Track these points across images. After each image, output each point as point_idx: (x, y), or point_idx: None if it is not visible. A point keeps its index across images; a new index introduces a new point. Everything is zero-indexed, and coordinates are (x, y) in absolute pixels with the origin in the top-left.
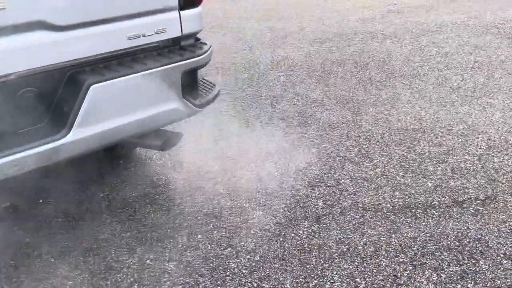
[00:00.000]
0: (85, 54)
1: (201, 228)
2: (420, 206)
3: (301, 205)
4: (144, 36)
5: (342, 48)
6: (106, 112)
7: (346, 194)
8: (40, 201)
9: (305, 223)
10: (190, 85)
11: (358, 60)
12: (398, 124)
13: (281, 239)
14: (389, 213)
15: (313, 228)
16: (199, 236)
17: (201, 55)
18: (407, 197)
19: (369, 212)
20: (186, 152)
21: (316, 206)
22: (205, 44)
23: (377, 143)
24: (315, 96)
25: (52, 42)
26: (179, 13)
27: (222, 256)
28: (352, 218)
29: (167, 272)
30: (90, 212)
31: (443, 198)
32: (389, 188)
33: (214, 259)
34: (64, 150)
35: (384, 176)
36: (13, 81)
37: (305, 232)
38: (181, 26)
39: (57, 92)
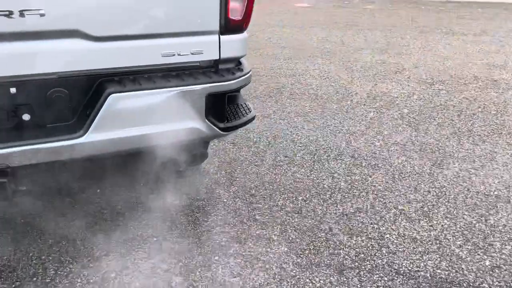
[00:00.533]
0: (116, 65)
1: (221, 251)
2: (464, 285)
3: (330, 250)
4: (179, 55)
5: (452, 93)
6: (121, 121)
7: (384, 251)
8: (99, 190)
9: (326, 271)
10: (217, 107)
11: (465, 109)
12: (480, 187)
13: (292, 282)
14: (424, 284)
15: (331, 279)
16: (216, 258)
17: (229, 80)
18: (453, 270)
19: (401, 277)
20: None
21: (346, 257)
22: (241, 70)
23: (446, 203)
24: (398, 139)
25: (86, 50)
26: (219, 37)
27: (227, 282)
28: (380, 279)
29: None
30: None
31: (497, 283)
32: (437, 256)
33: (218, 285)
34: (78, 149)
35: (437, 242)
36: (47, 80)
37: (321, 281)
38: (219, 50)
39: (85, 96)
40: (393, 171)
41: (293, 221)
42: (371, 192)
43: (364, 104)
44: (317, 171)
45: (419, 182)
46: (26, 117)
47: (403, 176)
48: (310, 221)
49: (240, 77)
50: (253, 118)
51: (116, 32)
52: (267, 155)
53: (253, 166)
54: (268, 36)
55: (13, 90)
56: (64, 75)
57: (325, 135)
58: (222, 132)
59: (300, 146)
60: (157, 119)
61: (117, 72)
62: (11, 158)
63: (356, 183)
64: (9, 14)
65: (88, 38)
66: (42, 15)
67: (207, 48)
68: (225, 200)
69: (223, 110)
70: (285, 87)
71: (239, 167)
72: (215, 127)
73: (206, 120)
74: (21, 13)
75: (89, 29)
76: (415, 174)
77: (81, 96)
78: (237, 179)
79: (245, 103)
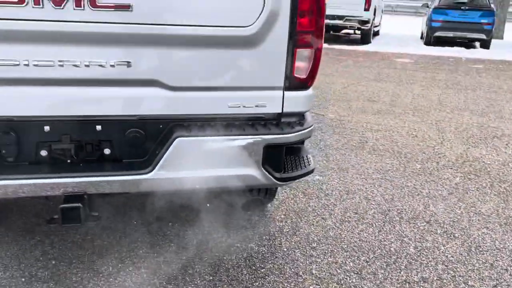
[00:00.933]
0: (187, 112)
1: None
2: None
3: None
4: (244, 107)
5: None
6: (185, 162)
7: None
8: (170, 224)
9: None
10: (274, 158)
11: None
12: None
13: None
14: None
15: None
16: (256, 283)
17: (287, 133)
18: None
19: None
20: (307, 222)
21: None
22: (301, 125)
23: None
24: (483, 209)
25: (163, 98)
26: (283, 93)
27: None
28: None
29: None
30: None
31: None
32: None
33: None
34: (144, 184)
35: None
36: (127, 121)
37: None
38: (282, 105)
39: (157, 137)
40: (470, 242)
41: (350, 281)
42: (441, 262)
43: (451, 168)
44: (386, 232)
45: (498, 258)
46: (106, 151)
47: (480, 249)
48: (368, 284)
49: (299, 131)
50: (311, 171)
51: (189, 83)
52: (336, 209)
53: (320, 218)
54: (362, 89)
55: (98, 127)
56: (142, 118)
57: (402, 196)
58: (277, 182)
59: (373, 204)
60: (216, 163)
61: (187, 118)
62: (89, 186)
63: (426, 251)
64: (102, 64)
65: (165, 87)
66: (129, 66)
67: (271, 102)
68: (285, 249)
69: (280, 160)
70: (368, 141)
71: (305, 218)
72: (271, 176)
73: (263, 168)
74: (112, 63)
75: (166, 80)
76: (494, 249)
77: (153, 137)
78: (301, 229)
79: (306, 156)
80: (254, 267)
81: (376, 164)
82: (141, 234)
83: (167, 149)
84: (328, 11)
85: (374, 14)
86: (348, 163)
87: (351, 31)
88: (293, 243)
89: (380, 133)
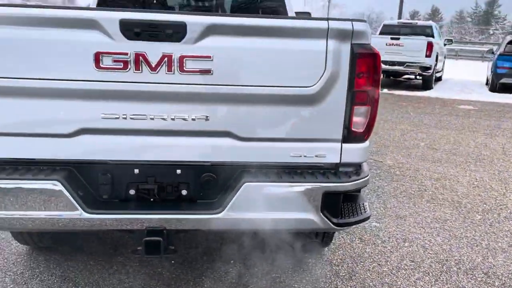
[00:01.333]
0: (254, 160)
1: None
2: None
3: None
4: (305, 156)
5: None
6: (251, 205)
7: None
8: (232, 261)
9: None
10: (332, 204)
11: None
12: None
13: None
14: None
15: None
16: None
17: (344, 182)
18: None
19: None
20: (363, 268)
21: None
22: (358, 174)
23: None
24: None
25: (233, 147)
26: (341, 145)
27: None
28: None
29: None
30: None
31: None
32: None
33: None
34: (215, 223)
35: None
36: (202, 167)
37: None
38: (340, 155)
39: (227, 181)
40: None
41: None
42: None
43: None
44: (443, 282)
45: None
46: (184, 192)
47: None
48: None
49: (355, 180)
50: (367, 218)
51: (258, 135)
52: (393, 256)
53: (376, 264)
54: (422, 136)
55: (178, 171)
56: (215, 164)
57: (460, 246)
58: (335, 227)
59: (430, 253)
60: (279, 207)
61: (254, 166)
62: (168, 222)
63: None
64: (185, 118)
65: (236, 138)
66: (207, 119)
67: (330, 153)
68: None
69: (337, 207)
70: (427, 190)
71: (361, 263)
72: (328, 221)
73: (321, 214)
74: (193, 117)
75: (238, 132)
76: None
77: (224, 181)
78: (357, 274)
79: (362, 204)
80: None
81: (435, 213)
82: (205, 270)
83: (236, 193)
84: (389, 57)
85: (436, 60)
86: (406, 211)
87: (412, 76)
88: (349, 287)
89: (439, 182)
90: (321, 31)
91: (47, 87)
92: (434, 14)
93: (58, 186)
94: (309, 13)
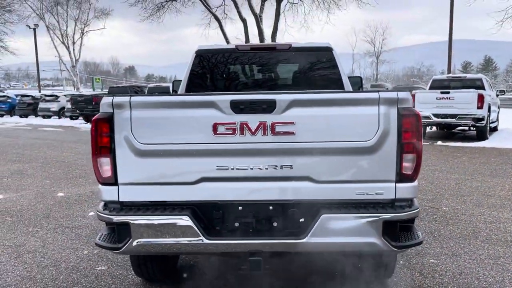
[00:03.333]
0: (328, 198)
1: None
2: None
3: None
4: (367, 194)
5: None
6: (327, 232)
7: None
8: None
9: None
10: (391, 230)
11: None
12: None
13: None
14: None
15: None
16: None
17: (400, 213)
18: None
19: None
20: None
21: None
22: (410, 207)
23: None
24: None
25: (312, 188)
26: (395, 185)
27: None
28: None
29: None
30: None
31: None
32: None
33: None
34: (300, 247)
35: None
36: (288, 204)
37: None
38: (395, 192)
39: (307, 214)
40: None
41: None
42: None
43: None
44: None
45: None
46: (275, 224)
47: None
48: None
49: (408, 211)
50: (420, 242)
51: (330, 178)
52: (449, 287)
53: None
54: (476, 184)
55: (270, 207)
56: (298, 202)
57: None
58: (393, 249)
59: (484, 284)
60: (349, 233)
61: (328, 202)
62: (263, 246)
63: None
64: (275, 167)
65: (313, 181)
66: (291, 168)
67: (386, 191)
68: None
69: (395, 232)
70: (481, 232)
71: None
72: (389, 244)
73: (382, 238)
74: (281, 167)
75: (315, 176)
76: None
77: (305, 214)
78: None
79: (416, 232)
80: None
81: (489, 251)
82: None
83: (315, 223)
84: (440, 111)
85: (489, 111)
86: (461, 250)
87: (466, 128)
88: None
89: (494, 224)
90: (374, 100)
91: (179, 149)
92: (488, 64)
93: (187, 221)
94: (360, 77)
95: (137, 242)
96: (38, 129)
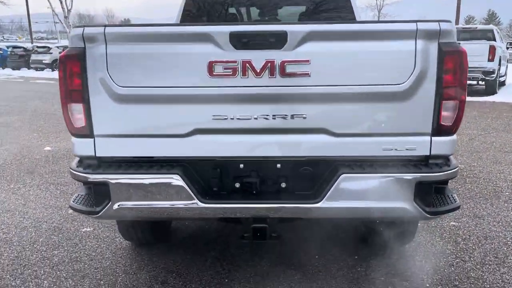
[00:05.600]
0: (348, 154)
1: None
2: None
3: None
4: (395, 150)
5: None
6: (347, 194)
7: None
8: (316, 256)
9: None
10: (424, 194)
11: None
12: None
13: None
14: None
15: None
16: None
17: (436, 172)
18: None
19: None
20: (446, 263)
21: None
22: (448, 166)
23: None
24: None
25: (328, 143)
26: (431, 138)
27: None
28: None
29: None
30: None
31: None
32: None
33: None
34: (314, 212)
35: None
36: (300, 161)
37: None
38: (430, 148)
39: (323, 174)
40: None
41: None
42: None
43: None
44: None
45: None
46: (283, 185)
47: None
48: None
49: (446, 171)
50: (457, 208)
51: (351, 131)
52: (475, 253)
53: (459, 260)
54: (491, 140)
55: (278, 165)
56: (312, 159)
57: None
58: (427, 215)
59: None
60: (374, 196)
61: (348, 159)
62: (270, 211)
63: None
64: (285, 117)
65: (331, 134)
66: (304, 118)
67: (420, 146)
68: (427, 285)
69: (429, 196)
70: (503, 191)
71: (444, 259)
72: (421, 210)
73: (414, 203)
74: (292, 116)
75: (332, 128)
76: None
77: (320, 174)
78: (442, 269)
79: (451, 194)
80: None
81: None
82: (293, 264)
83: (333, 184)
84: None
85: (499, 64)
86: (484, 211)
87: (474, 82)
88: (435, 280)
89: None
90: (410, 33)
91: (167, 94)
92: (491, 18)
93: (178, 180)
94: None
95: (118, 206)
96: (30, 82)
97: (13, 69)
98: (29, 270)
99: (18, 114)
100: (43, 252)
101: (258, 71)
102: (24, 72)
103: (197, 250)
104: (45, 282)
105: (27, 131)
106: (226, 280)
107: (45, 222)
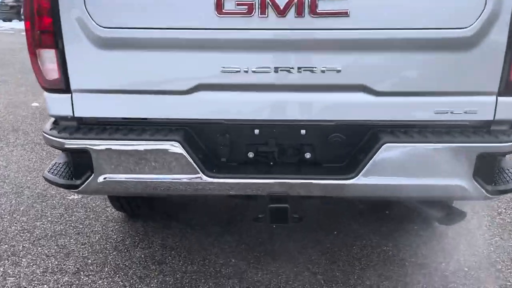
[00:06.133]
0: (391, 118)
1: None
2: None
3: None
4: (451, 113)
5: None
6: (390, 169)
7: None
8: (335, 232)
9: None
10: (486, 169)
11: None
12: None
13: None
14: None
15: None
16: None
17: (504, 142)
18: None
19: None
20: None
21: None
22: None
23: None
24: None
25: (367, 103)
26: (496, 98)
27: None
28: None
29: None
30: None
31: None
32: None
33: None
34: (347, 189)
35: None
36: (329, 126)
37: None
38: (495, 111)
39: (359, 142)
40: None
41: None
42: None
43: None
44: None
45: None
46: (307, 155)
47: None
48: None
49: None
50: None
51: (396, 88)
52: None
53: (497, 238)
54: None
55: (302, 131)
56: (345, 123)
57: None
58: (488, 195)
59: None
60: (424, 172)
61: (390, 124)
62: (292, 188)
63: None
64: (313, 70)
65: (370, 92)
66: (338, 71)
67: (482, 108)
68: (466, 269)
69: (492, 172)
70: None
71: (481, 237)
72: (482, 189)
73: (473, 180)
74: (323, 69)
75: (373, 85)
76: None
77: (355, 142)
78: (479, 248)
79: (509, 169)
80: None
81: None
82: (309, 241)
83: (373, 155)
84: None
85: None
86: None
87: None
88: (473, 263)
89: None
90: None
91: (162, 37)
92: None
93: (178, 148)
94: None
95: (104, 179)
96: (22, 34)
97: (4, 20)
98: (6, 246)
99: (5, 67)
100: (23, 224)
101: (281, 8)
102: (16, 24)
103: (200, 223)
104: (24, 260)
105: (13, 86)
106: (233, 260)
107: (27, 188)
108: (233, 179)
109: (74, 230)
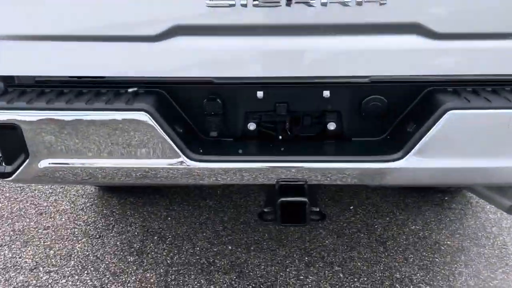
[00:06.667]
0: (454, 72)
1: None
2: None
3: None
4: None
5: None
6: (456, 146)
7: None
8: (351, 207)
9: None
10: None
11: None
12: None
13: None
14: None
15: None
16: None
17: None
18: None
19: None
20: None
21: None
22: None
23: None
24: None
25: (423, 50)
26: None
27: None
28: None
29: None
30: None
31: None
32: None
33: None
34: (391, 175)
35: None
36: (367, 85)
37: None
38: None
39: (406, 108)
40: None
41: None
42: None
43: None
44: None
45: None
46: (331, 126)
47: None
48: None
49: None
50: None
51: (465, 28)
52: None
53: None
54: None
55: (325, 93)
56: (386, 80)
57: None
58: None
59: None
60: (505, 149)
61: (452, 81)
62: (311, 174)
63: None
64: (346, 3)
65: (428, 35)
66: (382, 3)
67: None
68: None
69: None
70: None
71: None
72: None
73: None
74: (359, 2)
75: (432, 24)
76: None
77: (401, 108)
78: None
79: None
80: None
81: None
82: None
83: (431, 126)
84: None
85: None
86: None
87: None
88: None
89: None
90: None
91: None
92: None
93: (147, 119)
94: None
95: (49, 164)
96: None
97: None
98: None
99: None
100: None
101: None
102: None
103: (190, 201)
104: None
105: None
106: (230, 248)
107: None
108: (227, 162)
109: (36, 210)
